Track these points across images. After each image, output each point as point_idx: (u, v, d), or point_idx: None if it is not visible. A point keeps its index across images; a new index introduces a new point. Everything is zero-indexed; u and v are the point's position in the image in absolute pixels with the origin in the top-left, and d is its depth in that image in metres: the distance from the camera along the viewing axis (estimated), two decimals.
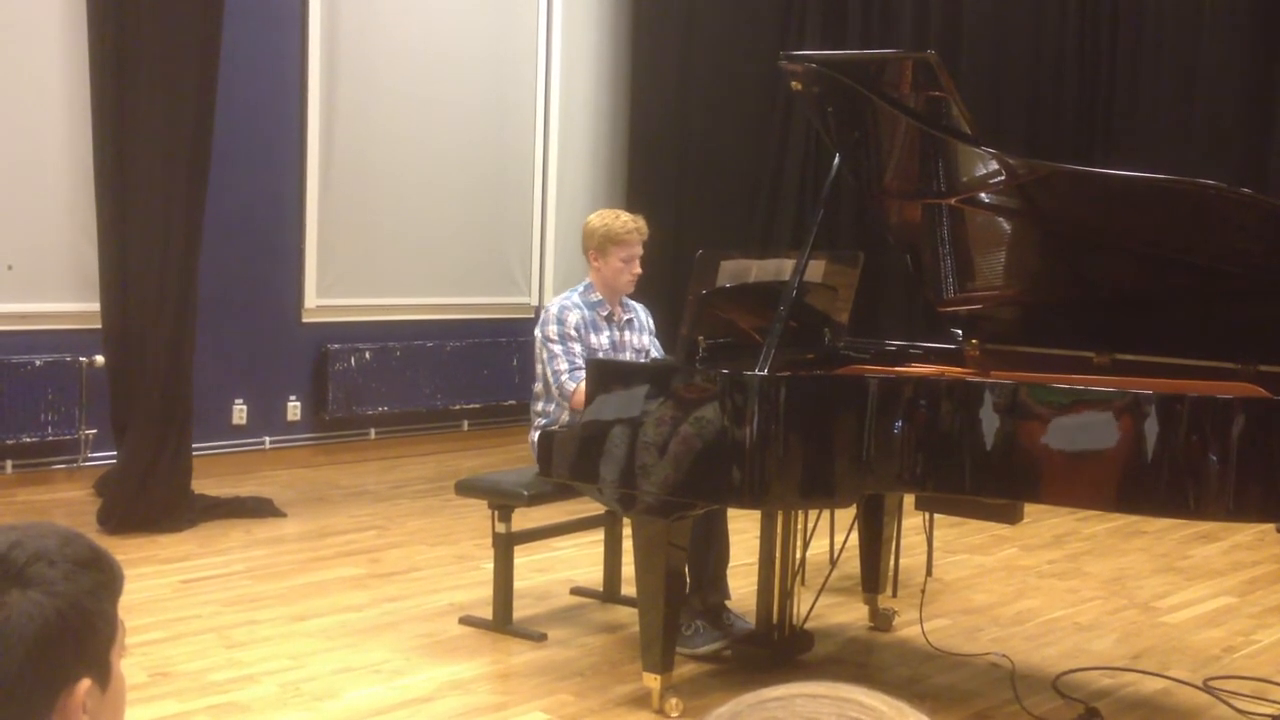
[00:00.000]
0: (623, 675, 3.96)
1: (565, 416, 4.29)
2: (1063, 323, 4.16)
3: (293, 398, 7.07)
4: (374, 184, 7.30)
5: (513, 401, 7.77)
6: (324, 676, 3.90)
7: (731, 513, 4.29)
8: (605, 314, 4.45)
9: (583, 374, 4.19)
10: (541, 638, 4.30)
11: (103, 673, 1.27)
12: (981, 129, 3.74)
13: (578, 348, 4.31)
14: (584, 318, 4.38)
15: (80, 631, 1.24)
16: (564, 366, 4.29)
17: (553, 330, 4.33)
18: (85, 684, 1.24)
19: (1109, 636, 4.53)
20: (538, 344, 4.39)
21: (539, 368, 4.39)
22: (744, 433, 3.40)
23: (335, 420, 7.18)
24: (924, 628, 4.32)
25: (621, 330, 4.50)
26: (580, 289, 4.47)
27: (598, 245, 4.41)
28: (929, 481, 3.52)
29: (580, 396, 4.14)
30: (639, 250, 4.44)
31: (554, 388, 4.31)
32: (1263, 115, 6.50)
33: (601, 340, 4.41)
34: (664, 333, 4.86)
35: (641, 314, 4.63)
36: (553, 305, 4.43)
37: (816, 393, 3.57)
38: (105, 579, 1.29)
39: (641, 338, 4.57)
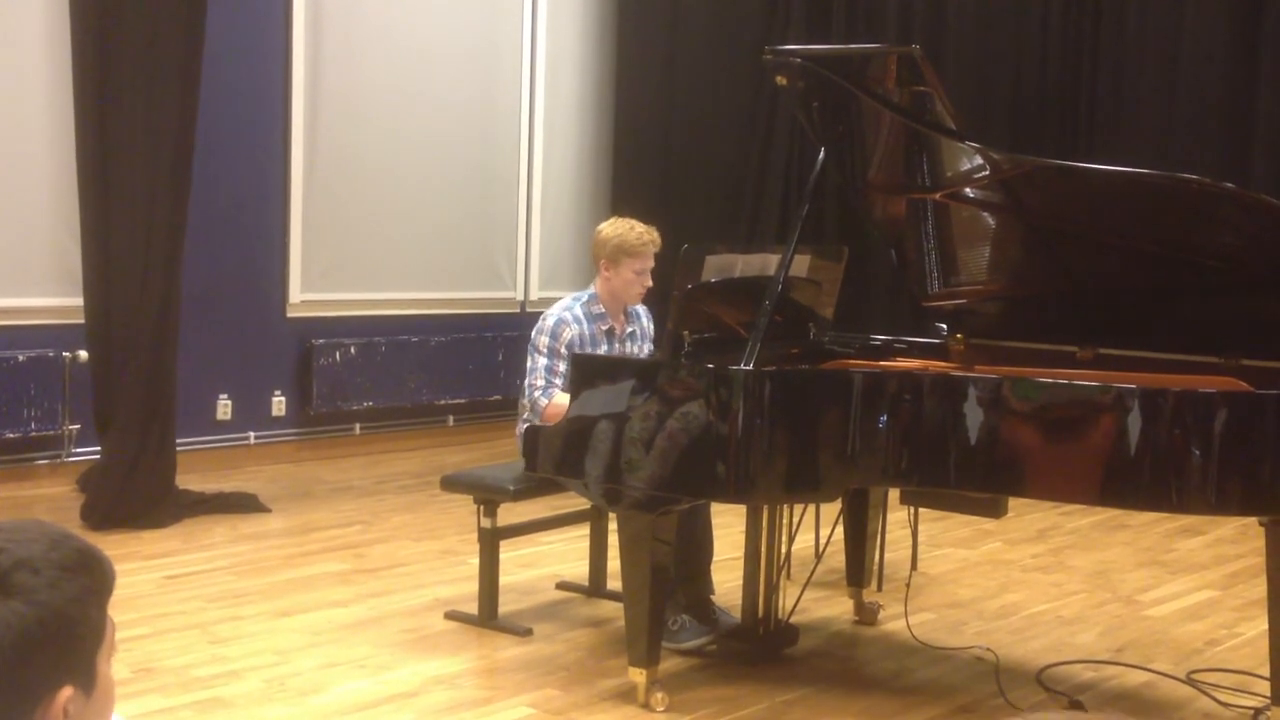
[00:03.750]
0: (608, 670, 3.96)
1: None
2: (1047, 317, 4.17)
3: (277, 393, 7.05)
4: (359, 179, 7.28)
5: (498, 396, 7.76)
6: (309, 672, 3.89)
7: (716, 507, 4.29)
8: (606, 328, 4.37)
9: (556, 392, 4.18)
10: (527, 632, 4.30)
11: (87, 678, 1.25)
12: (965, 124, 3.74)
13: (561, 366, 4.24)
14: (582, 333, 4.29)
15: (62, 640, 1.22)
16: (540, 382, 4.24)
17: (543, 341, 4.27)
18: (67, 692, 1.22)
19: (1093, 630, 4.54)
20: (529, 345, 4.35)
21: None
22: (729, 427, 3.40)
23: (320, 415, 7.17)
24: (909, 621, 4.33)
25: (622, 344, 4.43)
26: (585, 298, 4.38)
27: (610, 255, 4.32)
28: (914, 476, 3.53)
29: (551, 413, 4.12)
30: (651, 262, 4.35)
31: (527, 400, 4.29)
32: (1245, 109, 6.52)
33: None
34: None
35: (644, 320, 4.55)
36: (551, 314, 4.33)
37: (801, 387, 3.57)
38: (93, 583, 1.26)
39: (642, 348, 4.51)
